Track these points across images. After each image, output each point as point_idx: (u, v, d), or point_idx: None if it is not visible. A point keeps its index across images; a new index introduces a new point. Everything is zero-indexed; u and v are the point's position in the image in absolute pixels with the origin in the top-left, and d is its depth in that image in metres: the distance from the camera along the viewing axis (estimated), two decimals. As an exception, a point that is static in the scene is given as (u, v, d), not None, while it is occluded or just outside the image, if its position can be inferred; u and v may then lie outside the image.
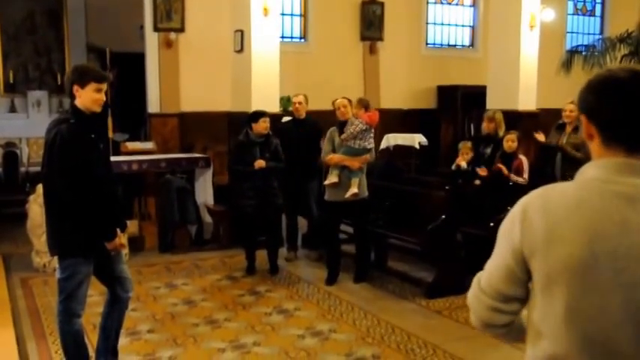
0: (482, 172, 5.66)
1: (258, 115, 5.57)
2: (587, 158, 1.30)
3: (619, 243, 1.14)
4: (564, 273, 1.17)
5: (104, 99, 3.15)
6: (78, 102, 3.11)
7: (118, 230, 3.27)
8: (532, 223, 1.21)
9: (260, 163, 5.41)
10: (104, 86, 3.12)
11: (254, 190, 5.47)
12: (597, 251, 1.14)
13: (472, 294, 1.37)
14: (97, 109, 3.12)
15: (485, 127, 6.02)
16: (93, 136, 3.14)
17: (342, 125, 5.24)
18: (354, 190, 5.10)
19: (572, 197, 1.20)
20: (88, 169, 3.07)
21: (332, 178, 5.19)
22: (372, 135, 5.26)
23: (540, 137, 6.02)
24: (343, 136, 5.19)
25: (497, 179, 5.59)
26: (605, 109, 1.22)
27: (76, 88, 3.09)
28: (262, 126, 5.49)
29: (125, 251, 5.98)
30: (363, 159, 5.19)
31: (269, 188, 5.51)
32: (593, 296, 1.15)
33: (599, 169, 1.22)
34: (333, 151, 5.25)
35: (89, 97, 3.08)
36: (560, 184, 1.28)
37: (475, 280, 1.38)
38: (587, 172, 1.24)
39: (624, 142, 1.20)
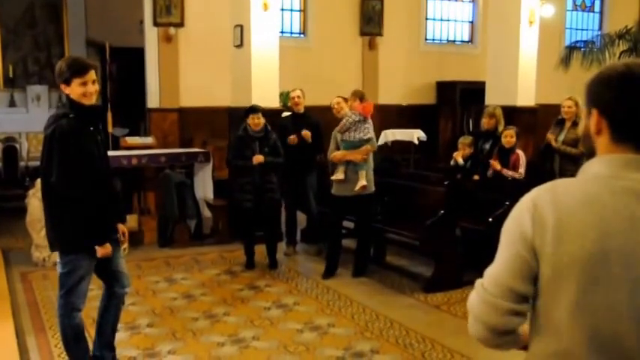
0: (495, 164, 5.65)
1: (247, 111, 5.59)
2: (586, 153, 1.30)
3: (628, 239, 1.14)
4: (573, 268, 1.16)
5: (94, 89, 3.03)
6: (72, 97, 3.04)
7: (120, 225, 3.27)
8: (542, 217, 1.20)
9: (258, 159, 5.42)
10: (89, 77, 2.99)
11: (252, 185, 5.48)
12: (606, 247, 1.14)
13: (479, 301, 1.28)
14: (89, 101, 3.02)
15: (486, 123, 6.03)
16: (92, 128, 3.10)
17: None
18: (362, 182, 5.13)
19: (581, 193, 1.20)
20: (89, 162, 3.04)
21: (338, 175, 5.23)
22: (367, 125, 5.24)
23: (551, 140, 5.92)
24: (337, 128, 5.24)
25: (495, 175, 5.62)
26: (621, 106, 1.20)
27: (63, 86, 3.03)
28: (252, 122, 5.49)
29: (125, 246, 6.00)
30: (363, 150, 5.20)
31: (267, 183, 5.52)
32: (601, 292, 1.15)
33: (606, 165, 1.21)
34: (338, 149, 5.28)
35: (77, 93, 2.99)
36: (567, 179, 1.27)
37: (478, 286, 1.30)
38: (593, 168, 1.23)
39: (635, 139, 1.20)
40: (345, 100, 5.34)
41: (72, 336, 3.23)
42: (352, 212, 5.41)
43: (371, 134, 5.28)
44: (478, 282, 1.31)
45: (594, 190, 1.19)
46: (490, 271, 1.29)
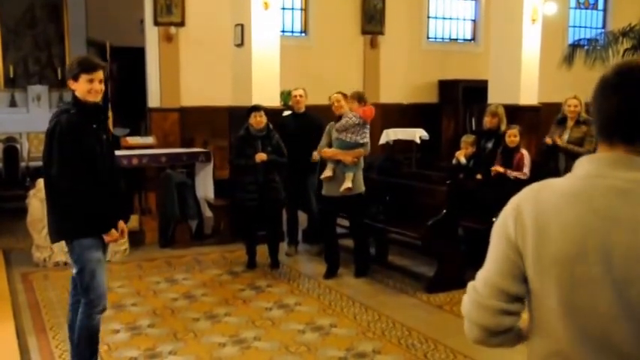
0: (499, 169, 5.61)
1: (250, 109, 5.58)
2: (589, 152, 1.29)
3: (608, 239, 1.13)
4: (554, 268, 1.16)
5: (100, 88, 3.13)
6: (77, 93, 3.14)
7: (122, 222, 3.29)
8: (524, 219, 1.21)
9: (261, 156, 5.40)
10: (97, 75, 3.10)
11: (255, 185, 5.46)
12: (586, 247, 1.14)
13: (471, 303, 1.30)
14: (93, 99, 3.12)
15: (488, 122, 5.98)
16: (95, 126, 3.16)
17: (339, 120, 5.24)
18: (347, 184, 5.09)
19: (563, 193, 1.20)
20: (89, 158, 3.08)
21: (327, 173, 5.21)
22: (366, 130, 5.21)
23: (559, 141, 5.87)
24: (336, 126, 5.20)
25: (498, 174, 5.58)
26: (593, 105, 1.24)
27: (70, 82, 3.15)
28: (254, 120, 5.48)
29: (125, 246, 6.00)
30: (356, 153, 5.16)
31: (270, 182, 5.49)
32: (584, 291, 1.14)
33: (592, 164, 1.21)
34: (330, 145, 5.25)
35: (83, 89, 3.10)
36: (554, 179, 1.27)
37: (470, 289, 1.32)
38: (581, 167, 1.23)
39: (607, 137, 1.21)
40: (345, 96, 5.30)
41: (86, 336, 3.24)
42: (343, 212, 5.37)
43: (367, 139, 5.24)
44: (470, 284, 1.33)
45: (576, 189, 1.19)
46: (481, 273, 1.31)
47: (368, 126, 5.25)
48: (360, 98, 5.22)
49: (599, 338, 1.14)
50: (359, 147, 5.17)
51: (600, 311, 1.13)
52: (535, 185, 1.26)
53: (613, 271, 1.12)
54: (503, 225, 1.26)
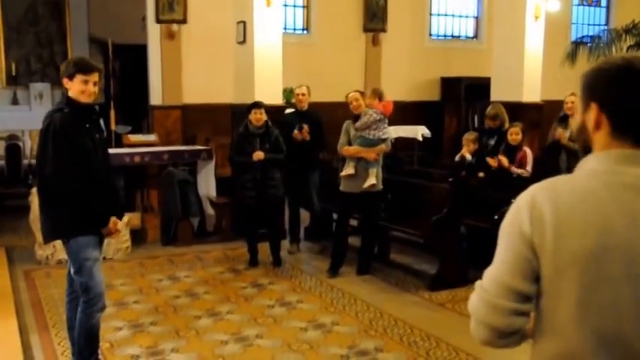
0: (493, 162, 5.60)
1: (250, 106, 5.58)
2: (584, 149, 1.27)
3: (628, 235, 1.12)
4: (574, 266, 1.14)
5: (93, 91, 3.16)
6: (70, 93, 3.17)
7: (115, 218, 3.31)
8: (540, 214, 1.18)
9: (259, 155, 5.39)
10: (92, 77, 3.13)
11: (254, 182, 5.46)
12: (607, 243, 1.12)
13: (480, 302, 1.25)
14: (85, 100, 3.15)
15: (491, 124, 5.94)
16: (88, 125, 3.17)
17: (356, 118, 5.22)
18: (371, 181, 5.09)
19: (580, 189, 1.18)
20: (82, 157, 3.09)
21: (348, 170, 5.18)
22: (386, 125, 5.23)
23: (562, 137, 5.93)
24: (357, 124, 5.19)
25: (501, 172, 5.57)
26: (623, 98, 1.18)
27: (65, 80, 3.17)
28: (254, 117, 5.48)
29: (127, 244, 6.00)
30: (378, 149, 5.17)
31: (269, 180, 5.49)
32: (605, 289, 1.13)
33: (603, 161, 1.19)
34: (349, 143, 5.24)
35: (77, 89, 3.14)
36: (565, 176, 1.24)
37: (478, 288, 1.28)
38: (590, 164, 1.21)
39: (635, 134, 1.18)
40: (362, 94, 5.31)
41: (86, 335, 3.26)
42: (359, 209, 5.37)
43: (388, 134, 5.27)
44: (478, 283, 1.28)
45: (592, 186, 1.17)
46: (490, 272, 1.26)
47: (387, 121, 5.26)
48: (380, 95, 5.26)
49: (613, 338, 1.13)
50: (381, 143, 5.18)
51: (618, 309, 1.12)
52: (545, 183, 1.23)
53: (633, 267, 1.11)
54: (516, 222, 1.21)
